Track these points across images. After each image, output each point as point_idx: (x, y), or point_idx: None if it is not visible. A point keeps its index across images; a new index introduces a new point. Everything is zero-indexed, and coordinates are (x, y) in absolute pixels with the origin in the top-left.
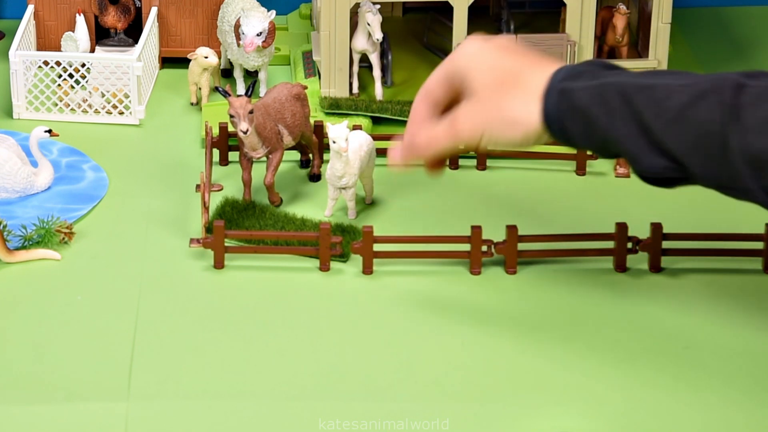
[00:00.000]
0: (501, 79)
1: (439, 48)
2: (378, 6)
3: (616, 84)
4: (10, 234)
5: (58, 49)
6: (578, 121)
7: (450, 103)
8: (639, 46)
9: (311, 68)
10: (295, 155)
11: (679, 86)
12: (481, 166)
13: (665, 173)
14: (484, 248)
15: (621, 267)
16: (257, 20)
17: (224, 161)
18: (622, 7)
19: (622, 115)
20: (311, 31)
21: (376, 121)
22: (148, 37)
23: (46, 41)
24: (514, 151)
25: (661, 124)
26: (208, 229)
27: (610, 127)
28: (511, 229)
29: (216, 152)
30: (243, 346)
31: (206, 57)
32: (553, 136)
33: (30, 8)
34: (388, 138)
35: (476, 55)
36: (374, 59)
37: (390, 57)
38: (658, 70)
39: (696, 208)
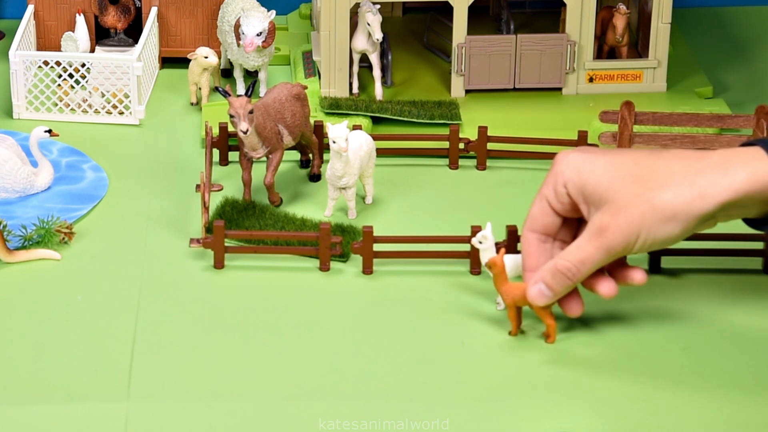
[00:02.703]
0: (634, 177)
1: (439, 48)
2: (378, 6)
3: None
4: (10, 234)
5: (58, 49)
6: None
7: (560, 224)
8: (639, 46)
9: (311, 68)
10: (295, 155)
11: None
12: (481, 166)
13: None
14: None
15: None
16: (257, 20)
17: (224, 161)
18: (622, 7)
19: None
20: (311, 31)
21: (376, 121)
22: (148, 37)
23: (46, 41)
24: (514, 151)
25: None
26: (208, 229)
27: None
28: (511, 229)
29: (216, 152)
30: (243, 346)
31: (206, 57)
32: None
33: (30, 8)
34: (388, 138)
35: (584, 162)
36: (374, 59)
37: (390, 57)
38: None
39: None
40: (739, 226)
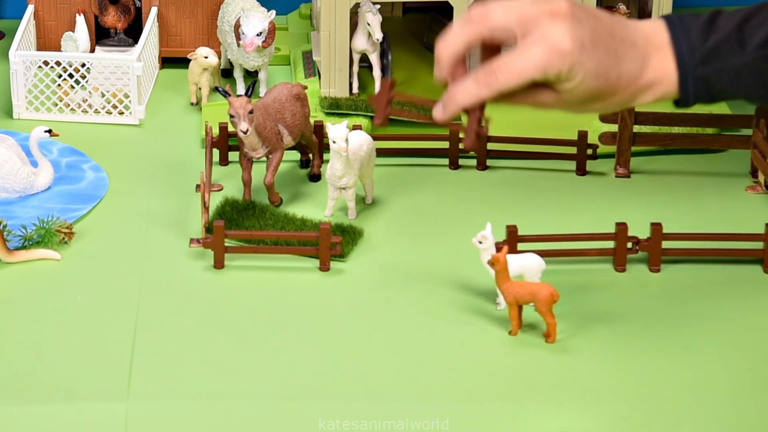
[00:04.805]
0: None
1: None
2: (378, 6)
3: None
4: (10, 234)
5: (58, 49)
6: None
7: None
8: None
9: (311, 68)
10: (295, 155)
11: None
12: (481, 166)
13: None
14: None
15: (621, 267)
16: (257, 20)
17: (224, 161)
18: (622, 7)
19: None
20: (311, 31)
21: None
22: (148, 37)
23: (46, 41)
24: (514, 151)
25: None
26: (208, 229)
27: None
28: (512, 229)
29: (216, 152)
30: (243, 346)
31: (206, 57)
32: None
33: (30, 8)
34: (388, 138)
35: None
36: (374, 59)
37: (390, 57)
38: None
39: (696, 208)
40: (738, 226)
